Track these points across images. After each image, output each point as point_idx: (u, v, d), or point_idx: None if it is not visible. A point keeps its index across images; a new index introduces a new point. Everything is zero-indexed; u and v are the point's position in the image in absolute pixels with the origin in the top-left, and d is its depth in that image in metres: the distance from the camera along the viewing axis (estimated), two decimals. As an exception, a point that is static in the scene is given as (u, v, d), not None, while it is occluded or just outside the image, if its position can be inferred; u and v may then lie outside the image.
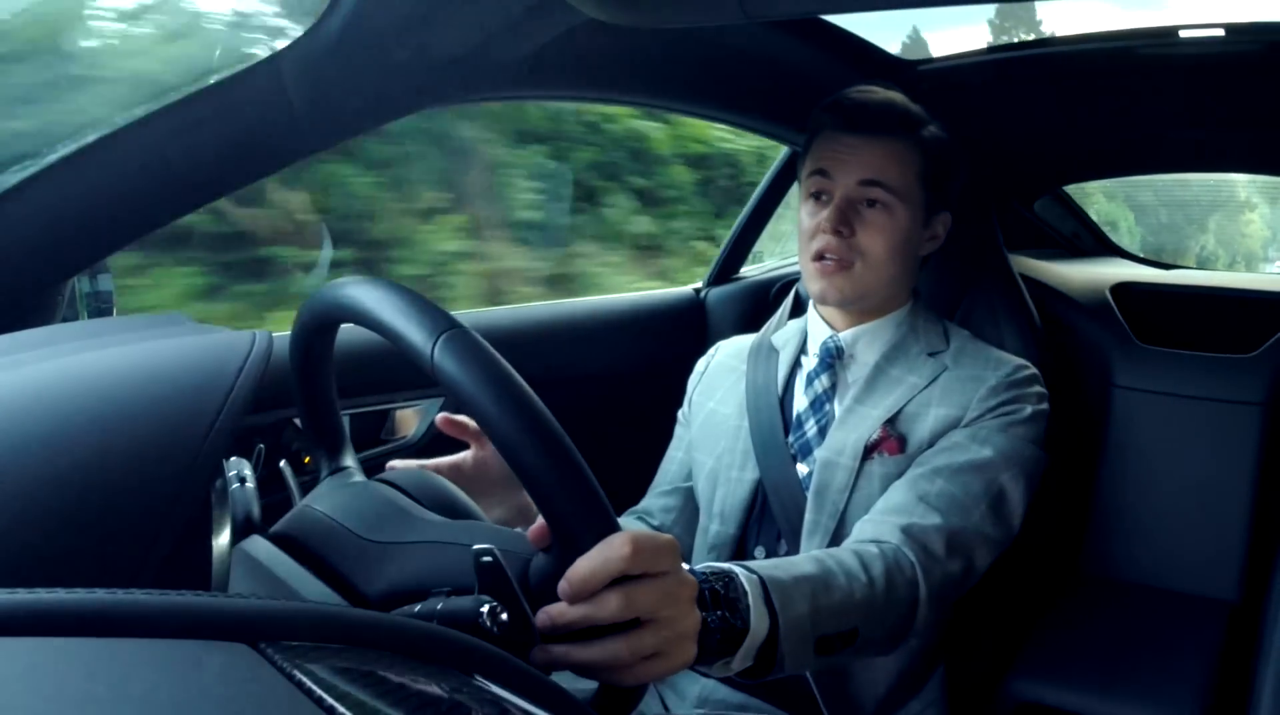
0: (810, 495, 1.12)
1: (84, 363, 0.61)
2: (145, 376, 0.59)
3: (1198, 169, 2.24)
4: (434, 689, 0.48)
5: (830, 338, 1.20)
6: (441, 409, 1.53)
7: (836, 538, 1.10)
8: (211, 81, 0.98)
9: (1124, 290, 1.81)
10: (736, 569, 0.80)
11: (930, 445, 1.10)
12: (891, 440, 1.11)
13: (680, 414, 1.34)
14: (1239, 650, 1.43)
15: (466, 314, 1.64)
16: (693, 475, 1.27)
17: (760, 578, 0.81)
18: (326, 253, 2.13)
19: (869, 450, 1.11)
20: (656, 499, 1.30)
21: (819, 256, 1.13)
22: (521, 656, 0.60)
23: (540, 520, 0.66)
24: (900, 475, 1.09)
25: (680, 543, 1.23)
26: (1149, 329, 1.73)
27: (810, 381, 1.20)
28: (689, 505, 1.28)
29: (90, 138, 0.94)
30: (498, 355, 0.63)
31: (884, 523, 1.02)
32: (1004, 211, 2.01)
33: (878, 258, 1.13)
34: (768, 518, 1.17)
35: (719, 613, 0.75)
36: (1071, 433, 1.51)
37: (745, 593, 0.78)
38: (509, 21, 1.04)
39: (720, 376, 1.30)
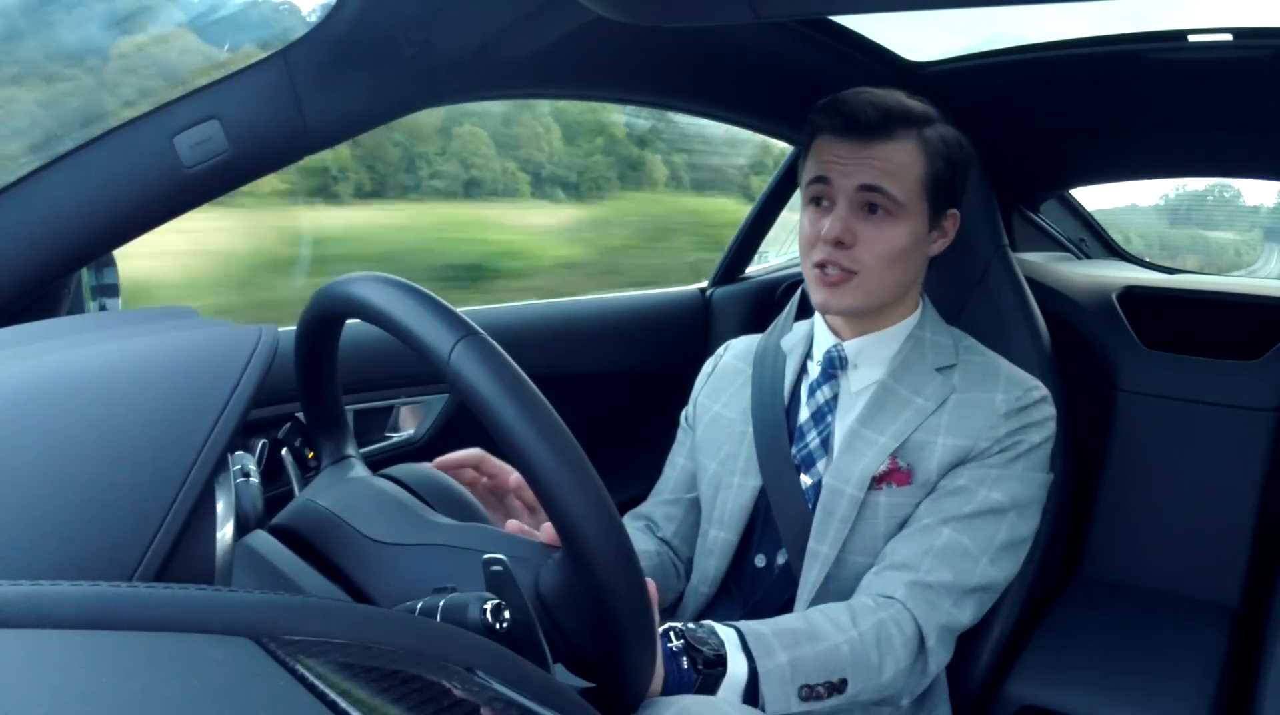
0: (814, 523, 1.11)
1: (89, 356, 0.61)
2: (150, 370, 0.59)
3: (1204, 174, 2.23)
4: (436, 684, 0.48)
5: (834, 347, 1.17)
6: (445, 407, 1.53)
7: (837, 566, 1.09)
8: (219, 77, 0.98)
9: (1130, 294, 1.81)
10: (715, 624, 0.91)
11: (939, 477, 1.09)
12: (900, 472, 1.09)
13: (684, 416, 1.33)
14: (1241, 656, 1.43)
15: (470, 310, 1.64)
16: (696, 480, 1.25)
17: (737, 630, 0.91)
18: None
19: (876, 481, 1.09)
20: (660, 506, 1.29)
21: (820, 266, 1.10)
22: (527, 656, 0.61)
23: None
24: (908, 506, 1.09)
25: (681, 554, 1.25)
26: (1155, 333, 1.73)
27: (812, 392, 1.18)
28: (691, 515, 1.27)
29: (98, 132, 0.95)
30: (515, 366, 0.63)
31: (890, 578, 1.04)
32: (1010, 213, 2.01)
33: (880, 267, 1.09)
34: (770, 526, 1.16)
35: (699, 667, 0.86)
36: (1075, 436, 1.50)
37: (722, 642, 0.89)
38: (516, 19, 1.04)
39: (727, 379, 1.28)
